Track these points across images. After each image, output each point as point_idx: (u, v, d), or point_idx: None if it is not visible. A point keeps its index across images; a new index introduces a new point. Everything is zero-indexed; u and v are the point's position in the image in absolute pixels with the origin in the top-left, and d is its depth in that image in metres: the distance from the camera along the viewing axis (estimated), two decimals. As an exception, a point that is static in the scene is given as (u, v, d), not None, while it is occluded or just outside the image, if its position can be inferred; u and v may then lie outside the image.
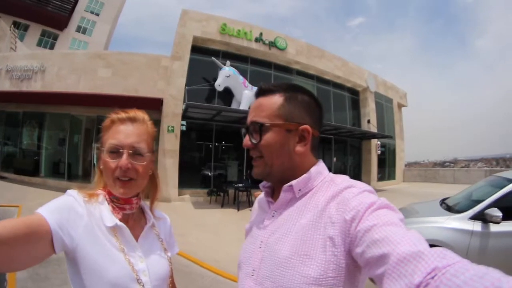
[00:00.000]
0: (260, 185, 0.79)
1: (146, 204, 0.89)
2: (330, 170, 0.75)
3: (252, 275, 0.66)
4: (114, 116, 0.78)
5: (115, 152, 0.74)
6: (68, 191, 0.74)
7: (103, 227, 0.72)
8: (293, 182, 0.68)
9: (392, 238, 0.47)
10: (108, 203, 0.77)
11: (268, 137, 0.69)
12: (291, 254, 0.60)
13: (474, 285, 0.34)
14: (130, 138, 0.75)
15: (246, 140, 0.73)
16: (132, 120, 0.78)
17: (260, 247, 0.68)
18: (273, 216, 0.71)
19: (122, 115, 0.78)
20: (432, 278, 0.38)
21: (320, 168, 0.71)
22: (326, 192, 0.65)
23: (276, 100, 0.71)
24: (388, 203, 0.58)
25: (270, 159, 0.70)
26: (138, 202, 0.81)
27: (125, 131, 0.76)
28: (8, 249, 0.53)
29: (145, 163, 0.77)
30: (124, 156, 0.73)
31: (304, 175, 0.69)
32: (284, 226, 0.66)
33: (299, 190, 0.68)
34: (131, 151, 0.74)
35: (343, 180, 0.67)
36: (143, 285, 0.71)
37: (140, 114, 0.81)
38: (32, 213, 0.63)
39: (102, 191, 0.78)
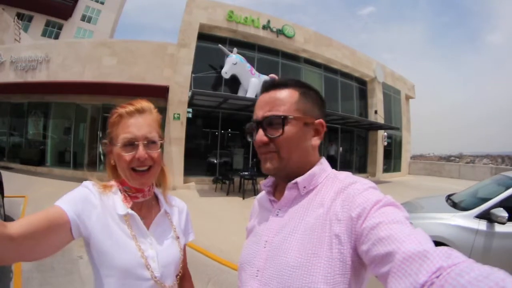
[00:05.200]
0: (262, 184, 0.79)
1: (160, 192, 0.92)
2: (336, 160, 0.67)
3: (257, 276, 0.65)
4: (121, 110, 0.79)
5: (130, 145, 0.76)
6: (84, 182, 0.78)
7: (116, 216, 0.76)
8: (299, 180, 0.67)
9: (397, 236, 0.47)
10: (121, 193, 0.81)
11: (289, 130, 0.67)
12: (299, 253, 0.59)
13: (479, 285, 0.34)
14: (142, 130, 0.78)
15: (261, 136, 0.69)
16: (140, 111, 0.80)
17: (264, 247, 0.67)
18: (277, 214, 0.70)
19: (130, 108, 0.79)
20: (437, 277, 0.38)
21: (324, 165, 0.72)
22: (331, 188, 0.65)
23: (292, 94, 0.69)
24: (394, 201, 0.57)
25: (288, 153, 0.67)
26: (150, 190, 0.85)
27: (136, 123, 0.78)
28: (34, 242, 0.59)
29: (159, 150, 0.81)
30: (141, 148, 0.76)
31: (309, 172, 0.68)
32: (289, 224, 0.65)
33: (304, 187, 0.68)
34: (145, 142, 0.77)
35: (347, 176, 0.67)
36: (152, 271, 0.75)
37: (146, 104, 0.83)
38: (43, 205, 0.64)
39: (115, 182, 0.83)
